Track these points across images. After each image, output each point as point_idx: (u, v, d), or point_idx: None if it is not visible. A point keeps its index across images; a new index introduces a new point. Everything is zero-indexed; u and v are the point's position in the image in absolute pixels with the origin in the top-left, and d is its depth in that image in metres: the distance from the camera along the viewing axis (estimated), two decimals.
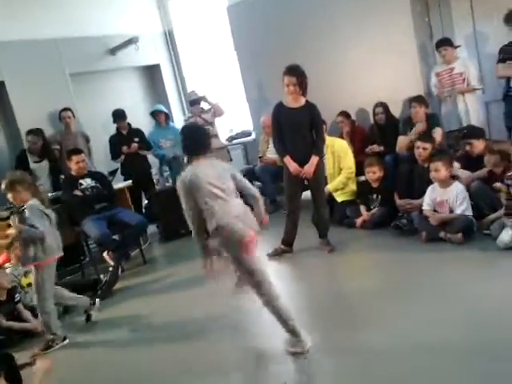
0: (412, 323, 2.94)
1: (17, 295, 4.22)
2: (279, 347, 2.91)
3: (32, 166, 5.86)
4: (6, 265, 4.42)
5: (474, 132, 4.64)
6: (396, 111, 5.74)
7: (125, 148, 6.36)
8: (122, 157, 6.42)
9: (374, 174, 4.99)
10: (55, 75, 6.60)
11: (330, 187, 5.24)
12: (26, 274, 4.42)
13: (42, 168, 5.92)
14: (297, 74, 4.26)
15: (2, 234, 4.54)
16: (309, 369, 2.76)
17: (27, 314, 4.12)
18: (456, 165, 4.49)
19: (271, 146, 6.34)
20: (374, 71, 5.85)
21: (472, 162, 4.48)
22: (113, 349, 3.56)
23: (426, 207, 4.29)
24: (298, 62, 4.39)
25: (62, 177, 5.71)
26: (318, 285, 3.94)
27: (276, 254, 4.62)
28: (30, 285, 4.40)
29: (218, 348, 3.16)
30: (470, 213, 4.08)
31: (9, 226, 4.75)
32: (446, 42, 5.26)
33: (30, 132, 5.97)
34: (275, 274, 4.45)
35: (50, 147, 6.09)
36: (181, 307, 4.02)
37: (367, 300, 3.43)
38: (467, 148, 4.53)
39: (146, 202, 6.76)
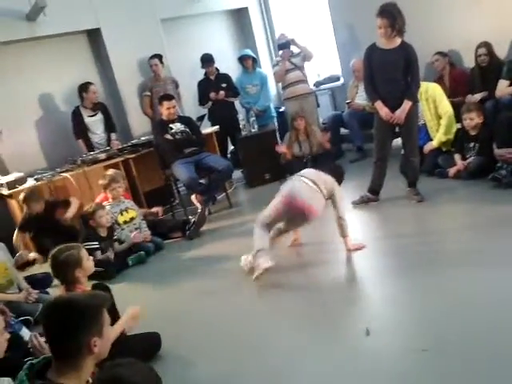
0: (501, 283, 2.76)
1: (115, 233, 4.55)
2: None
3: (86, 120, 5.93)
4: (105, 203, 4.72)
5: None
6: (502, 53, 5.24)
7: (212, 94, 6.42)
8: (210, 103, 6.50)
9: (471, 120, 4.62)
10: (147, 21, 6.66)
11: (434, 143, 4.96)
12: (122, 212, 4.72)
13: (97, 121, 5.99)
14: (388, 15, 3.99)
15: (101, 175, 4.87)
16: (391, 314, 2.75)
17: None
18: None
19: (360, 91, 6.11)
20: (478, 8, 5.32)
21: None
22: (202, 284, 3.75)
23: None
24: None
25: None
26: (402, 234, 3.81)
27: (362, 202, 4.54)
28: (125, 222, 4.71)
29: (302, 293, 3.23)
30: None
31: (105, 167, 5.07)
32: None
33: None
34: (360, 221, 4.41)
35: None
36: None
37: (454, 255, 3.28)
38: None
39: (232, 147, 6.86)
